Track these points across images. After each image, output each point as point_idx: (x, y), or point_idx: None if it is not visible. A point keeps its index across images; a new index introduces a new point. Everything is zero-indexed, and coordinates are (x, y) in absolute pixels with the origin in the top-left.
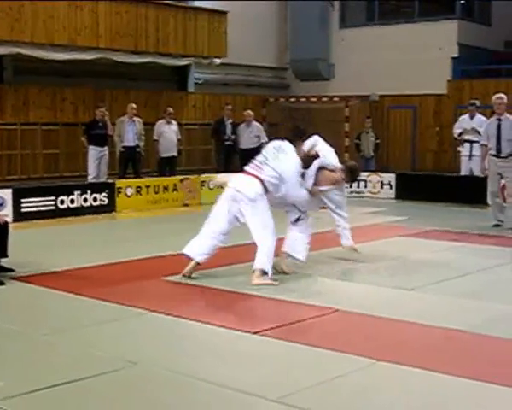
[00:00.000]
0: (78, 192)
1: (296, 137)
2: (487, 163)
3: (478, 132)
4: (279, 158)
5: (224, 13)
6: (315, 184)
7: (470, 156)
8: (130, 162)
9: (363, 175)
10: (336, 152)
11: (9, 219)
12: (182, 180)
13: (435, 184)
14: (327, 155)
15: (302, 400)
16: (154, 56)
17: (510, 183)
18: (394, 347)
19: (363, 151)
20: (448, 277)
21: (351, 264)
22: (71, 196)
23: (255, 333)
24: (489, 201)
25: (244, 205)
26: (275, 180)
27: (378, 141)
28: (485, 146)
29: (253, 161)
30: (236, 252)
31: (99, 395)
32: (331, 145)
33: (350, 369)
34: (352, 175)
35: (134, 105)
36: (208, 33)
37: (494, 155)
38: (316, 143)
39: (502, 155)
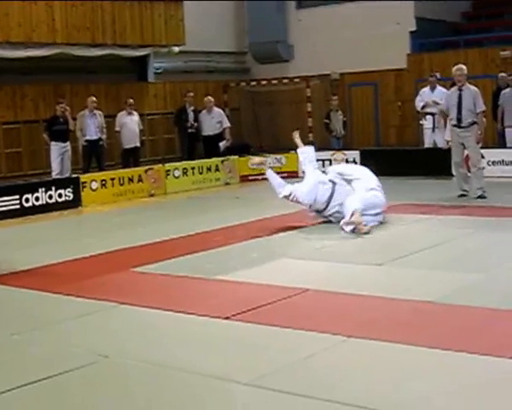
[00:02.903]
0: (43, 189)
1: None
2: (449, 133)
3: (438, 105)
4: None
5: (179, 0)
6: None
7: (433, 129)
8: (94, 156)
9: (328, 154)
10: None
11: None
12: (146, 171)
13: (400, 158)
14: None
15: (275, 381)
16: (112, 48)
17: (472, 152)
18: (365, 322)
19: (335, 131)
20: (416, 249)
21: (319, 243)
22: (35, 194)
23: (226, 318)
24: (453, 171)
25: None
26: None
27: (345, 119)
28: (445, 115)
29: None
30: (201, 239)
31: (72, 391)
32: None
33: (321, 347)
34: None
35: (94, 98)
36: (165, 22)
37: (455, 126)
38: None
39: (463, 125)
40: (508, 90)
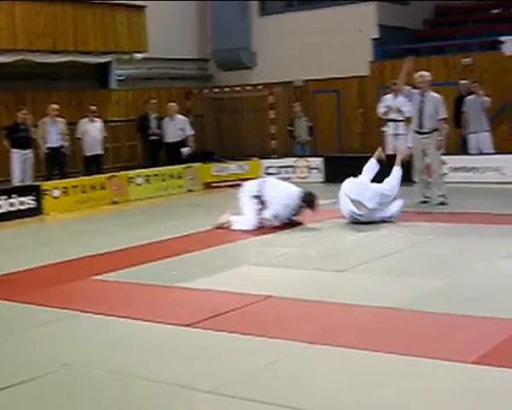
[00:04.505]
0: (4, 197)
1: None
2: (411, 140)
3: (400, 111)
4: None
5: (142, 7)
6: None
7: (395, 135)
8: (56, 163)
9: (291, 161)
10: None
11: None
12: (109, 178)
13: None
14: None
15: (237, 389)
16: (74, 55)
17: (433, 159)
18: (327, 329)
19: (299, 137)
20: (378, 255)
21: (281, 249)
22: None
23: (188, 326)
24: (415, 178)
25: None
26: None
27: (311, 124)
28: None
29: None
30: (163, 247)
31: (33, 400)
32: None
33: (283, 354)
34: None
35: (55, 106)
36: (128, 29)
37: (417, 132)
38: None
39: (424, 131)
40: (472, 97)
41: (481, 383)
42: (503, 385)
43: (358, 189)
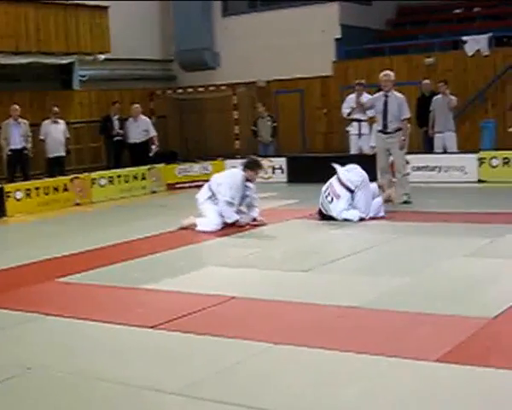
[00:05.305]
0: None
1: None
2: (374, 139)
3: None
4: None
5: (105, 8)
6: None
7: (359, 135)
8: (18, 165)
9: None
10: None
11: None
12: (72, 180)
13: (326, 165)
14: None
15: (202, 390)
16: (37, 56)
17: (397, 158)
18: (291, 329)
19: (262, 137)
20: (342, 255)
21: (245, 250)
22: None
23: (152, 327)
24: (379, 177)
25: None
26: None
27: (275, 124)
28: (365, 107)
29: None
30: (127, 248)
31: None
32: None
33: (248, 355)
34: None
35: (17, 107)
36: (90, 30)
37: (381, 131)
38: None
39: (388, 131)
40: (439, 96)
41: (444, 382)
42: (466, 383)
43: (350, 166)
